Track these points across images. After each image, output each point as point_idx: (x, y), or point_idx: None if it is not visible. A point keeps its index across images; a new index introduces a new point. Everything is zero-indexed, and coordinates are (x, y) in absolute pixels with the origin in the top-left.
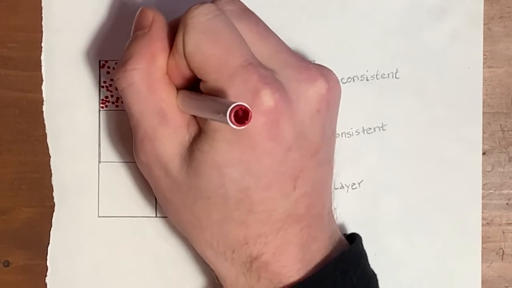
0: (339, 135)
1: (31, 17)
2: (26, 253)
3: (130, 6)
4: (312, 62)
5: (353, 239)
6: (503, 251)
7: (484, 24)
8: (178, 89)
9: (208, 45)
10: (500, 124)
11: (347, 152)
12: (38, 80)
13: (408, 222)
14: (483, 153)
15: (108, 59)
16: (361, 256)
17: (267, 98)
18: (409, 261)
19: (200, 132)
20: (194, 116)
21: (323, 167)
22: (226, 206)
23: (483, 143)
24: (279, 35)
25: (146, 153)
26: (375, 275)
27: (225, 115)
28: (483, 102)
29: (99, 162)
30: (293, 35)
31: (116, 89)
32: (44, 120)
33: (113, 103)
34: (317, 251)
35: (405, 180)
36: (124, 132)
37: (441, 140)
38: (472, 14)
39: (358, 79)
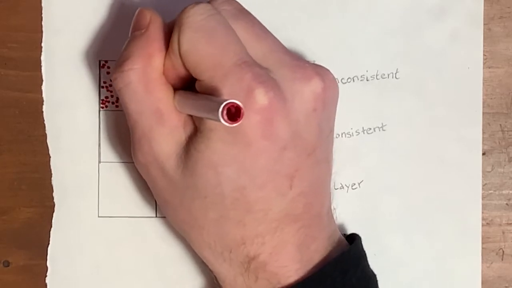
0: (339, 135)
1: (31, 17)
2: (26, 253)
3: (130, 6)
4: (312, 62)
5: (353, 240)
6: (503, 251)
7: (484, 24)
8: (175, 89)
9: (203, 44)
10: (500, 124)
11: (347, 152)
12: (38, 80)
13: (408, 222)
14: (483, 153)
15: (108, 59)
16: (361, 256)
17: (261, 97)
18: (409, 261)
19: (196, 132)
20: (191, 116)
21: (320, 166)
22: (223, 206)
23: (483, 143)
24: (279, 35)
25: (143, 153)
26: (374, 275)
27: (218, 113)
28: (483, 102)
29: (99, 162)
30: (293, 35)
31: None
32: (44, 120)
33: (113, 103)
34: (316, 251)
35: (405, 180)
36: (124, 132)
37: (441, 140)
38: (472, 14)
39: (358, 79)
